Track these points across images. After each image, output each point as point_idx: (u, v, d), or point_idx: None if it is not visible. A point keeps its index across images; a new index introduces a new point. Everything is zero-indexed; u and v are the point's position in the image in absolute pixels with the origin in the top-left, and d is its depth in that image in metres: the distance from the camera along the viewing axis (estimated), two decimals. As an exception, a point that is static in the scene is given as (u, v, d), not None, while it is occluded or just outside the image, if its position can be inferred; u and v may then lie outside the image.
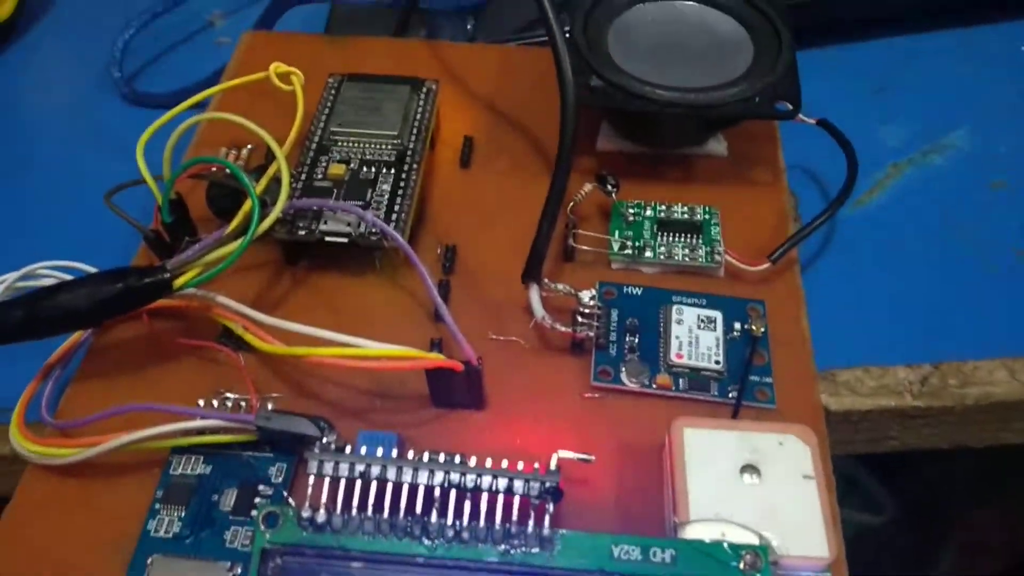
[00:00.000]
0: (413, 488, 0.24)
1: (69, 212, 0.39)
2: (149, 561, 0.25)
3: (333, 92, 0.35)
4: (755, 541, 0.23)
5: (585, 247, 0.33)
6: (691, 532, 0.23)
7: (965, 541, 0.56)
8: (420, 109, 0.35)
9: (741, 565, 0.22)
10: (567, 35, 0.33)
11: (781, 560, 0.23)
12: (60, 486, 0.27)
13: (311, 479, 0.24)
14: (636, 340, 0.30)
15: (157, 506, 0.26)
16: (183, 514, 0.26)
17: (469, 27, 0.44)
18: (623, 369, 0.29)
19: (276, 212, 0.29)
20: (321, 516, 0.23)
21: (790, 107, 0.32)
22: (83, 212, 0.37)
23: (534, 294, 0.30)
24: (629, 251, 0.33)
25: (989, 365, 0.30)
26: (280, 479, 0.27)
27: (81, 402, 0.29)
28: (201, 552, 0.25)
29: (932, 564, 0.56)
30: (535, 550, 0.23)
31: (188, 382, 0.29)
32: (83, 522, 0.26)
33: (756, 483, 0.25)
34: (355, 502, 0.24)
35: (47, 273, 0.31)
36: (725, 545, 0.23)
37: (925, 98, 0.41)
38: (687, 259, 0.32)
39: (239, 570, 0.25)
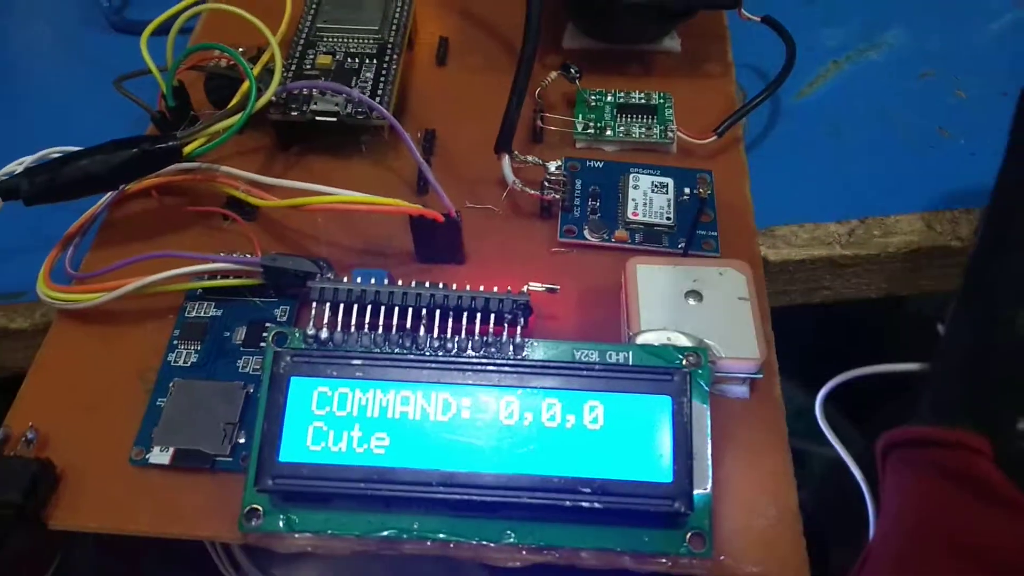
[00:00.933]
0: (403, 311, 0.27)
1: (63, 132, 0.42)
2: (172, 384, 0.29)
3: (318, -5, 0.39)
4: (694, 345, 0.27)
5: (552, 127, 0.37)
6: (642, 339, 0.27)
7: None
8: (398, 8, 0.38)
9: (684, 363, 0.26)
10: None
11: (719, 361, 0.27)
12: (86, 329, 0.31)
13: (314, 305, 0.28)
14: (597, 204, 0.34)
15: (175, 342, 0.30)
16: (199, 348, 0.30)
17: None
18: (586, 227, 0.33)
19: (271, 89, 0.32)
20: (324, 334, 0.27)
21: (733, -3, 0.36)
22: (78, 132, 0.40)
23: (506, 163, 0.34)
24: (591, 130, 0.36)
25: (909, 218, 0.34)
26: (285, 318, 0.30)
27: (99, 263, 0.32)
28: (217, 376, 0.29)
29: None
30: (509, 354, 0.26)
31: (196, 246, 0.33)
32: (109, 359, 0.30)
33: (698, 305, 0.29)
34: (353, 324, 0.27)
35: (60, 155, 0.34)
36: (671, 348, 0.27)
37: (861, 4, 0.45)
38: (643, 136, 0.36)
39: (252, 388, 0.28)
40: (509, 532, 0.25)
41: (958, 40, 0.42)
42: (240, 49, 0.39)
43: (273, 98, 0.33)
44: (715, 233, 0.33)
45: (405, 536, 0.25)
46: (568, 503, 0.24)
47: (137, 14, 0.50)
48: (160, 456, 0.27)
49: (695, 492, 0.25)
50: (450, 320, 0.27)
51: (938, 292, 0.35)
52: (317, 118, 0.34)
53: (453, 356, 0.26)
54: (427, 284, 0.28)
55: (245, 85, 0.32)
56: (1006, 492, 0.15)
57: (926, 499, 0.17)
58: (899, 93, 0.40)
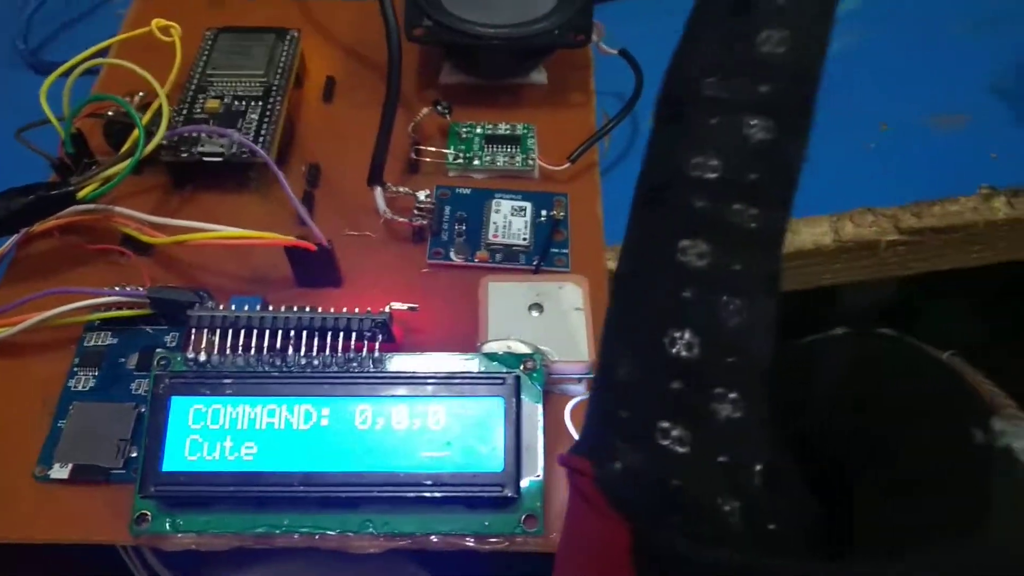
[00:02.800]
0: (273, 332, 0.31)
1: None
2: (71, 408, 0.32)
3: (210, 42, 0.42)
4: (531, 351, 0.31)
5: (427, 159, 0.40)
6: (487, 348, 0.31)
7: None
8: (284, 53, 0.42)
9: (523, 368, 0.30)
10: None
11: (554, 364, 0.31)
12: (-6, 361, 0.34)
13: (193, 332, 0.31)
14: (464, 228, 0.38)
15: (75, 369, 0.33)
16: (97, 373, 0.33)
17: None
18: (452, 249, 0.37)
19: (159, 136, 0.35)
20: (203, 357, 0.30)
21: (582, 37, 0.40)
22: None
23: (378, 195, 0.37)
24: (461, 161, 0.40)
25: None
26: (174, 344, 0.34)
27: (7, 299, 0.35)
28: (113, 399, 0.32)
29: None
30: (369, 368, 0.30)
31: (96, 281, 0.36)
32: (15, 386, 0.33)
33: (539, 316, 0.33)
34: (228, 347, 0.31)
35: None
36: (511, 355, 0.31)
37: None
38: (507, 165, 0.40)
39: (143, 409, 0.32)
40: (368, 523, 0.29)
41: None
42: (140, 94, 0.43)
43: (164, 142, 0.36)
44: (566, 251, 0.37)
45: (277, 531, 0.29)
46: (412, 494, 0.28)
47: (53, 55, 0.52)
48: (60, 471, 0.30)
49: (529, 479, 0.29)
50: (316, 339, 0.31)
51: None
52: (204, 159, 0.37)
53: (318, 372, 0.30)
54: (295, 308, 0.31)
55: (135, 132, 0.35)
56: (597, 502, 0.18)
57: (567, 512, 0.20)
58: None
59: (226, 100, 0.40)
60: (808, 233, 0.38)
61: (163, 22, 0.40)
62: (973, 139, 0.42)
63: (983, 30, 0.48)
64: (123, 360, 0.33)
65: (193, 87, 0.40)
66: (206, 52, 0.42)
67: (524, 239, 0.37)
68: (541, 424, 0.30)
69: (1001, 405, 0.16)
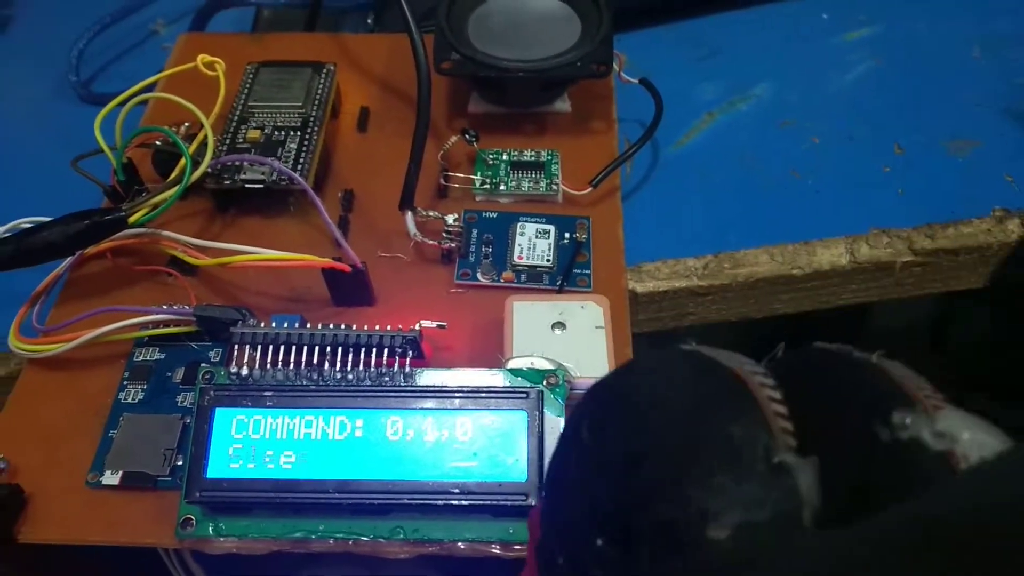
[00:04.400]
0: (311, 349, 0.33)
1: (39, 196, 0.47)
2: (121, 419, 0.34)
3: (251, 76, 0.44)
4: (554, 367, 0.32)
5: (455, 185, 0.42)
6: (511, 364, 0.33)
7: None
8: (321, 86, 0.44)
9: (545, 383, 0.32)
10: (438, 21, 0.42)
11: (575, 381, 0.33)
12: (51, 374, 0.36)
13: (236, 347, 0.33)
14: (490, 250, 0.40)
15: (125, 383, 0.35)
16: (145, 387, 0.35)
17: (369, 21, 0.54)
18: (479, 270, 0.39)
19: (204, 164, 0.38)
20: (245, 371, 0.32)
21: (603, 68, 0.42)
22: (52, 196, 0.45)
23: (409, 219, 0.39)
24: (488, 186, 0.42)
25: (754, 251, 0.40)
26: (217, 359, 0.36)
27: (62, 317, 0.37)
28: (160, 411, 0.34)
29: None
30: (400, 382, 0.32)
31: (144, 300, 0.38)
32: (70, 399, 0.35)
33: (562, 334, 0.34)
34: (268, 361, 0.33)
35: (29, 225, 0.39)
36: (534, 371, 0.32)
37: (740, 60, 0.51)
38: (532, 189, 0.42)
39: (188, 419, 0.34)
40: (399, 529, 0.30)
41: (817, 90, 0.49)
42: (186, 124, 0.45)
43: (208, 170, 0.39)
44: (588, 271, 0.39)
45: (313, 536, 0.30)
46: (440, 502, 0.29)
47: (103, 87, 0.56)
48: (111, 478, 0.32)
49: (551, 490, 0.30)
50: (350, 355, 0.33)
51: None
52: (247, 185, 0.39)
53: (353, 386, 0.32)
54: (331, 326, 0.33)
55: (182, 161, 0.38)
56: None
57: None
58: (762, 140, 0.46)
59: (266, 130, 0.42)
60: (825, 254, 0.39)
61: (208, 58, 0.43)
62: (987, 161, 0.43)
63: (997, 54, 0.49)
64: (170, 374, 0.35)
65: (236, 118, 0.43)
66: (248, 85, 0.44)
67: (548, 260, 0.39)
68: (563, 436, 0.31)
69: (918, 398, 0.16)
